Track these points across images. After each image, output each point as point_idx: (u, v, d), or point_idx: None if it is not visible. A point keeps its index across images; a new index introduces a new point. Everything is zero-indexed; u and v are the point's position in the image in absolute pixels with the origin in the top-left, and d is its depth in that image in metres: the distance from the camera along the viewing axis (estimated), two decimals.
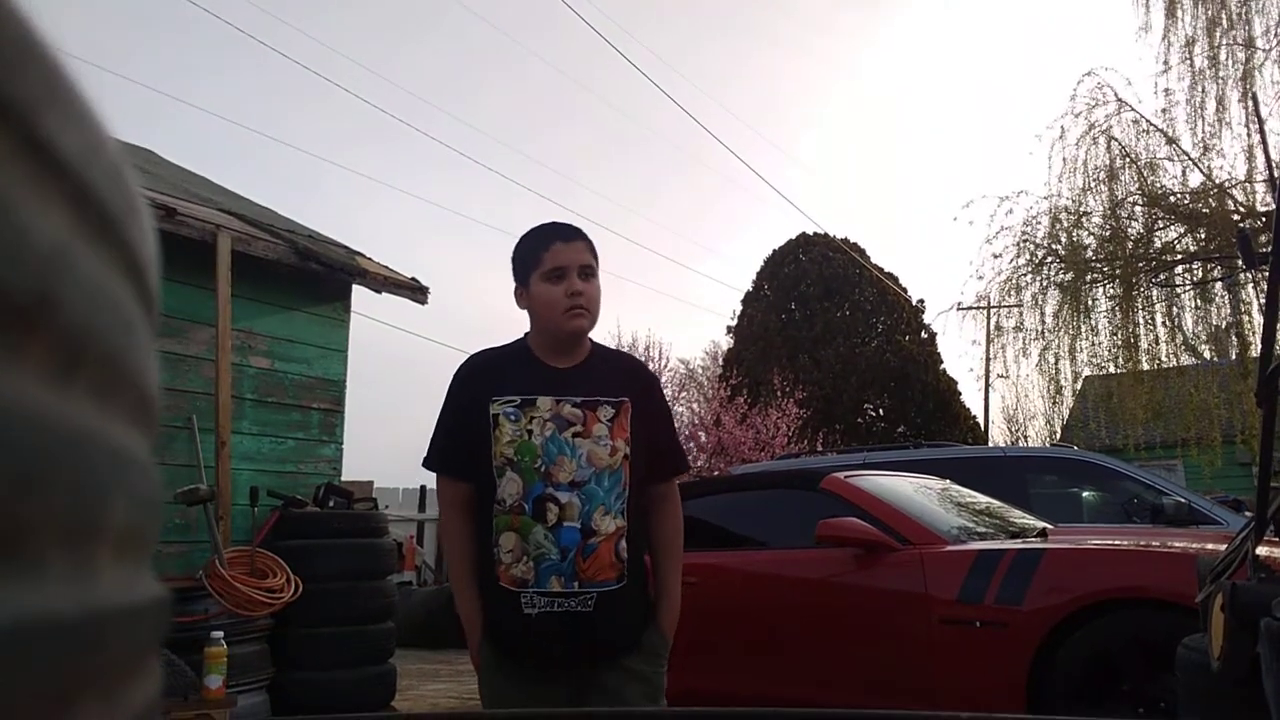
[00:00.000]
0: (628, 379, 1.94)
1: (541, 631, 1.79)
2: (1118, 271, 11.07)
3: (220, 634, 3.76)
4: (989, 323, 13.65)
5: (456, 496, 1.91)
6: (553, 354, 1.90)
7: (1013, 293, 11.97)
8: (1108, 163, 11.14)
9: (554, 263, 1.86)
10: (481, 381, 1.88)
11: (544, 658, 1.83)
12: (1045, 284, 11.71)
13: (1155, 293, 11.19)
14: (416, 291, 5.92)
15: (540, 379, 1.87)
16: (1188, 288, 11.04)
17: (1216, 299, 10.89)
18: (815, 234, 21.29)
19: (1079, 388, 13.07)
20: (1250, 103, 10.15)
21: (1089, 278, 11.37)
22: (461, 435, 1.87)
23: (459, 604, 1.92)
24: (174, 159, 7.09)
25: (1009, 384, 13.84)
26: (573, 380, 1.88)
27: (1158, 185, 11.07)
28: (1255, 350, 9.43)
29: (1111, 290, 11.27)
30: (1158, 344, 11.00)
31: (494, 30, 44.72)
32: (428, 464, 1.94)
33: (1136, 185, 11.11)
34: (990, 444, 17.52)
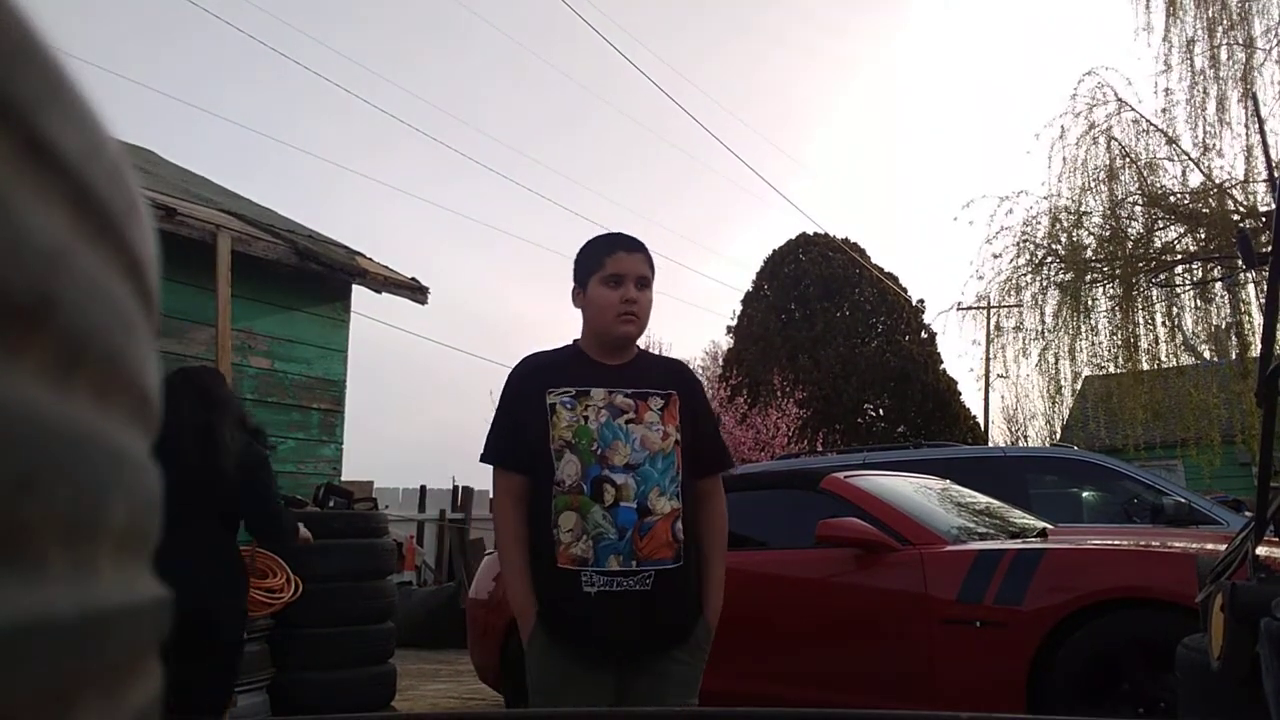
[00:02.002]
0: (674, 376, 2.04)
1: (601, 610, 1.84)
2: (1118, 271, 11.07)
3: None
4: (989, 323, 13.63)
5: (512, 486, 1.97)
6: (602, 354, 2.00)
7: (1013, 293, 11.96)
8: (1108, 163, 11.14)
9: (614, 269, 1.96)
10: (537, 376, 1.98)
11: (600, 636, 1.87)
12: (1045, 284, 11.71)
13: (1155, 293, 11.18)
14: (416, 291, 5.92)
15: (592, 373, 1.96)
16: (1188, 288, 11.03)
17: (1216, 299, 10.89)
18: (815, 234, 21.29)
19: (1079, 388, 13.07)
20: (1250, 103, 10.15)
21: (1089, 278, 11.36)
22: (517, 429, 1.96)
23: (511, 588, 1.96)
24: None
25: (1009, 384, 13.87)
26: (622, 375, 1.97)
27: (1158, 185, 11.06)
28: (1255, 350, 9.42)
29: (1111, 290, 11.27)
30: (1157, 344, 11.00)
31: (509, 40, 44.98)
32: (485, 458, 2.01)
33: (1136, 185, 11.10)
34: (990, 444, 17.51)
